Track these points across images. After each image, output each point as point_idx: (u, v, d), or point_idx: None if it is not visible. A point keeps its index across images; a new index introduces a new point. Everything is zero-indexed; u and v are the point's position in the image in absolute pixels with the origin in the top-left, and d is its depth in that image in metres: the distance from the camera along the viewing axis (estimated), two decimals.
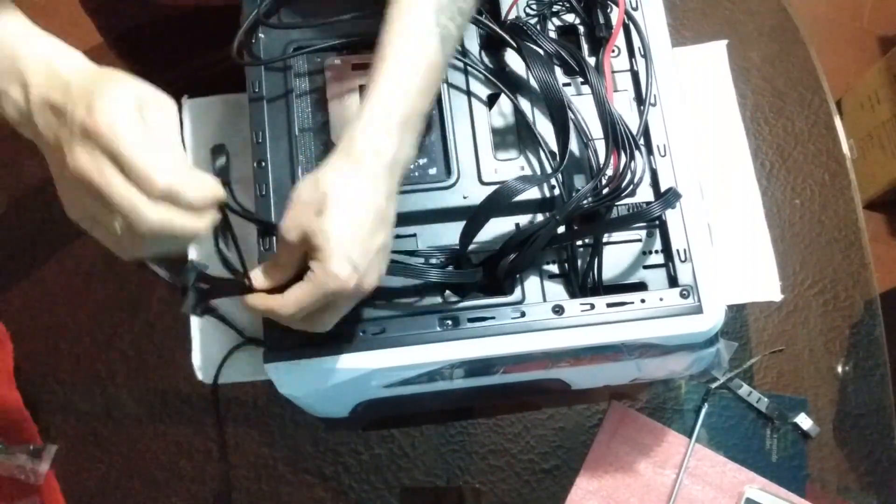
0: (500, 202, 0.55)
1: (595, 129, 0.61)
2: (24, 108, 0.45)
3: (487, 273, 0.59)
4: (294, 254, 0.49)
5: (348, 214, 0.48)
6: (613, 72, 0.64)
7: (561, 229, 0.58)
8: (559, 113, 0.60)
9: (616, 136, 0.59)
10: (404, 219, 0.60)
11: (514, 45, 0.61)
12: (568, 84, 0.63)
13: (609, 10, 0.65)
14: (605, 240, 0.60)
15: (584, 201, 0.57)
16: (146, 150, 0.42)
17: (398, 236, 0.60)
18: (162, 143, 0.43)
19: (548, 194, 0.60)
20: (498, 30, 0.62)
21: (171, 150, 0.44)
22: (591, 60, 0.64)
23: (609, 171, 0.59)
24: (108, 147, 0.41)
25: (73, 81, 0.44)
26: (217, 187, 0.45)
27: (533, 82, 0.62)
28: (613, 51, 0.65)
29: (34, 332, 0.82)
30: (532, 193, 0.60)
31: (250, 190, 0.58)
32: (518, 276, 0.59)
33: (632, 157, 0.58)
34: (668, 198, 0.57)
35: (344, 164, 0.50)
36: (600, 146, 0.60)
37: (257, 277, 0.51)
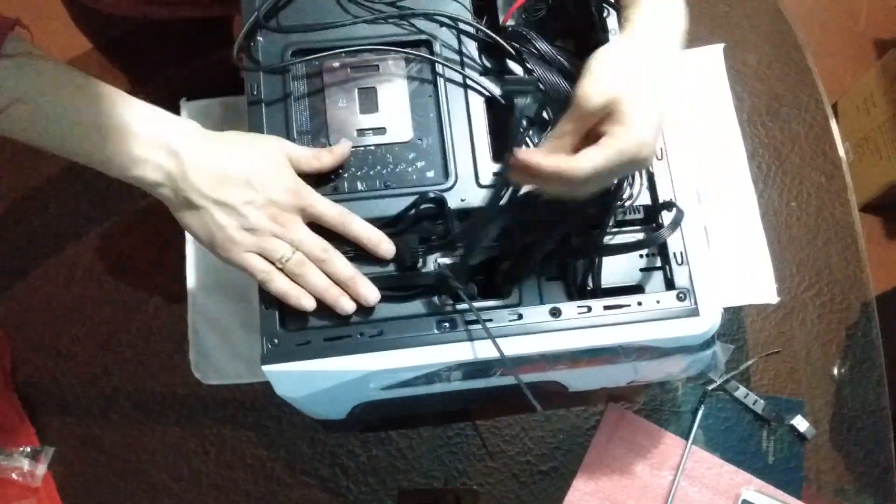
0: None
1: None
2: (176, 174, 0.52)
3: (486, 275, 0.59)
4: (587, 122, 0.51)
5: (654, 85, 0.51)
6: None
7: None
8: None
9: None
10: (401, 220, 0.60)
11: (513, 51, 0.62)
12: None
13: (606, 14, 0.65)
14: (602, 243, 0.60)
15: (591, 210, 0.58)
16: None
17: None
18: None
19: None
20: (496, 37, 0.62)
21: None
22: None
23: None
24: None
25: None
26: None
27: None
28: None
29: (31, 334, 0.82)
30: None
31: None
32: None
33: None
34: (674, 220, 0.57)
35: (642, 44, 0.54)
36: None
37: (530, 151, 0.53)
